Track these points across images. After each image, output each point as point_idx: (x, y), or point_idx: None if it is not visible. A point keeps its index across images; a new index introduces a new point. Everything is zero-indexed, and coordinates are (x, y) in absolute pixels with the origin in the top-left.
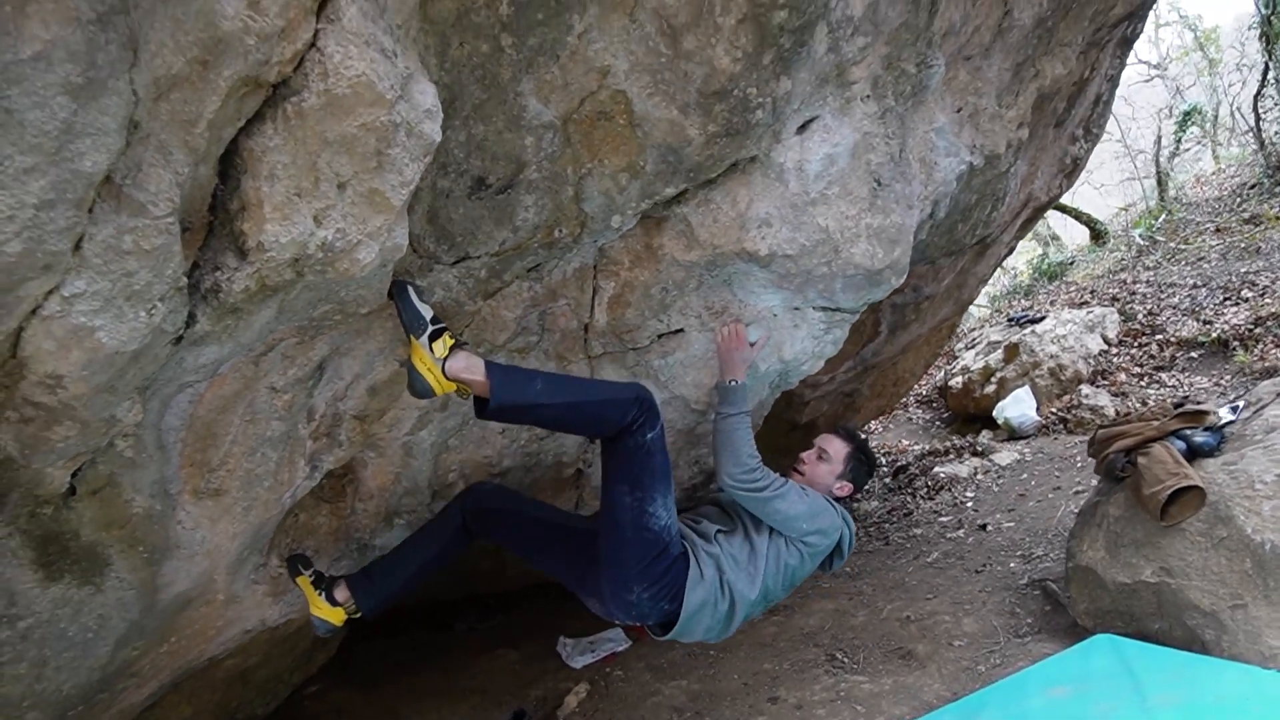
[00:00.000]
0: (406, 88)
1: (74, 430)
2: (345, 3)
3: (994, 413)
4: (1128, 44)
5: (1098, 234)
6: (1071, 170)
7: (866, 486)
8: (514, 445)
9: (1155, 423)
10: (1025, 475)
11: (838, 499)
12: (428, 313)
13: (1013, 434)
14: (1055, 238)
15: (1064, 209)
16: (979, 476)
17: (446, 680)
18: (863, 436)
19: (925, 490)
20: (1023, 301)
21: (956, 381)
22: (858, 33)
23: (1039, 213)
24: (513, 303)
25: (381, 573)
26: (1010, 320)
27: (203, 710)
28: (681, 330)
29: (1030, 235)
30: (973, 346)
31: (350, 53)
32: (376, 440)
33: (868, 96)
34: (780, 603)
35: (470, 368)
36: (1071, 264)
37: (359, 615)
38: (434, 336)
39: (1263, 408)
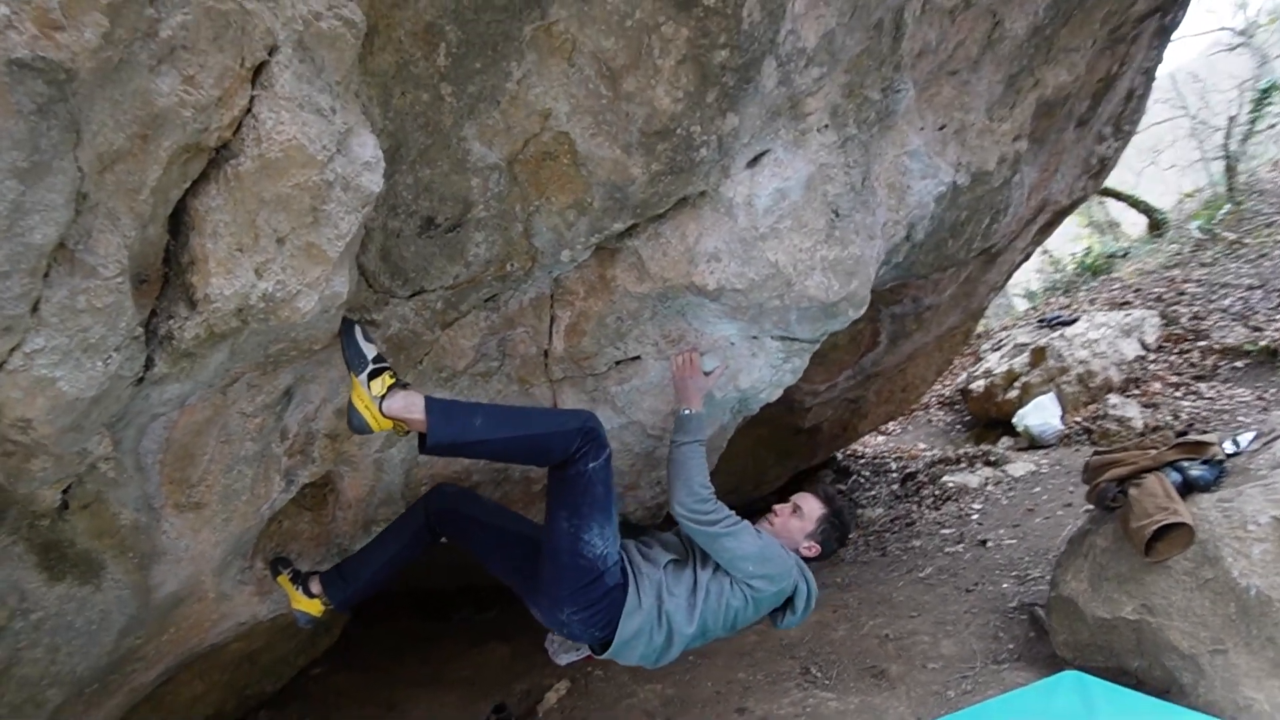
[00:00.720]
0: (345, 142)
1: (49, 462)
2: (279, 69)
3: (1014, 419)
4: (1165, 34)
5: (1156, 224)
6: (1098, 171)
7: (835, 552)
8: (482, 461)
9: (1152, 452)
10: (1038, 489)
11: (805, 559)
12: (370, 351)
13: (1033, 443)
14: (1114, 224)
15: (1119, 196)
16: (989, 488)
17: (439, 669)
18: (840, 503)
19: (932, 500)
20: (1061, 299)
21: (978, 385)
22: (812, 64)
23: (1060, 215)
24: (470, 332)
25: (351, 569)
26: (1041, 321)
27: (213, 688)
28: (638, 358)
29: (1086, 222)
30: (999, 348)
31: (282, 118)
32: (349, 457)
33: (826, 126)
34: None
35: (409, 407)
36: (1124, 256)
37: (334, 607)
38: (373, 375)
39: (1274, 440)
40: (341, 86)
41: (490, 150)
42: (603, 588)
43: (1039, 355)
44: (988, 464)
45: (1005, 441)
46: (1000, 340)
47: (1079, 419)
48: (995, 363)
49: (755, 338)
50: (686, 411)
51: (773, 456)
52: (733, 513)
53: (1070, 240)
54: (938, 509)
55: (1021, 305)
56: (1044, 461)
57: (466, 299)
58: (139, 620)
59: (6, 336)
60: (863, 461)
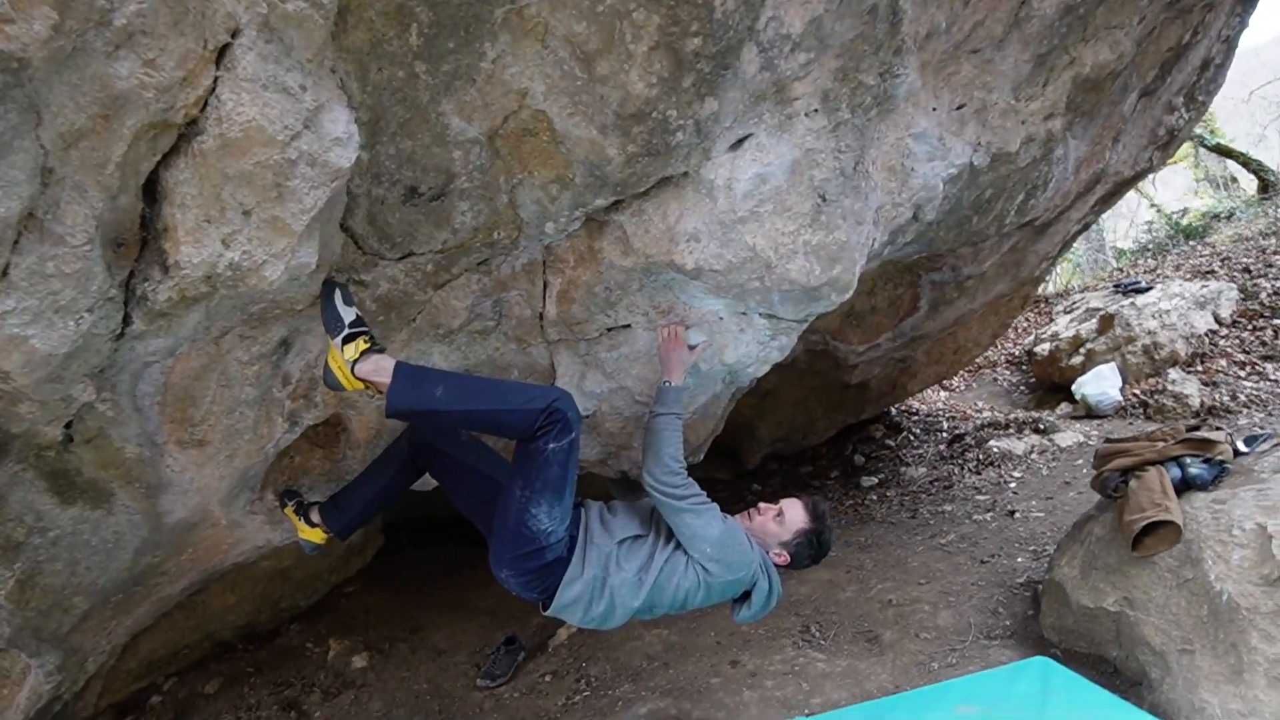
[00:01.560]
0: (315, 119)
1: (35, 407)
2: (241, 51)
3: (1073, 387)
4: (1249, 1)
5: (1265, 185)
6: (1167, 141)
7: (806, 567)
8: None
9: (1159, 444)
10: (1081, 461)
11: (776, 565)
12: (349, 315)
13: (1090, 412)
14: (1233, 180)
15: (1229, 153)
16: (1033, 456)
17: (463, 597)
18: (824, 524)
19: (974, 464)
20: (1149, 262)
21: (1043, 348)
22: (798, 49)
23: (1124, 186)
24: (462, 293)
25: (345, 499)
26: (1117, 286)
27: (245, 599)
28: (629, 326)
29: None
30: (1071, 311)
31: (243, 100)
32: (352, 402)
33: (815, 111)
34: None
35: (378, 370)
36: (1229, 218)
37: (334, 534)
38: (348, 339)
39: None
40: (314, 64)
41: (469, 125)
42: (541, 560)
43: (1107, 323)
44: (1036, 431)
45: (1064, 408)
46: (1074, 303)
47: (1137, 391)
48: (1063, 326)
49: (743, 314)
50: (667, 383)
51: (821, 408)
52: (703, 492)
53: (1185, 196)
54: (978, 473)
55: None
56: (1094, 433)
57: (457, 262)
58: (153, 541)
59: None
60: (915, 418)
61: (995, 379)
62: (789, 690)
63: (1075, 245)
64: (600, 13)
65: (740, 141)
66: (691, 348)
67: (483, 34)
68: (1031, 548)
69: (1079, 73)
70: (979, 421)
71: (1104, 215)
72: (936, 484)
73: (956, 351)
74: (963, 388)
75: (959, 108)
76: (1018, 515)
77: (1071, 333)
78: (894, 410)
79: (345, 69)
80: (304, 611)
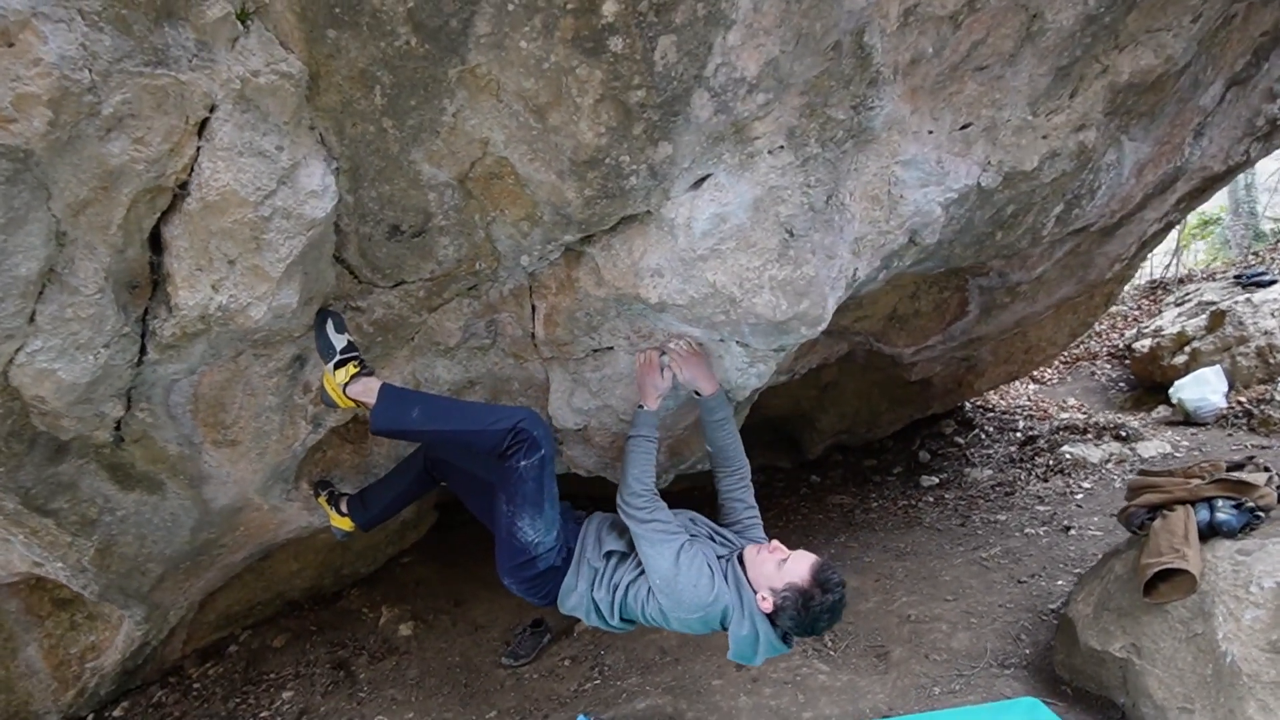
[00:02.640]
0: (291, 175)
1: (74, 422)
2: (218, 124)
3: (1171, 389)
4: None
5: None
6: (1269, 132)
7: (789, 630)
8: None
9: (1194, 482)
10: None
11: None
12: (340, 343)
13: (1188, 418)
14: None
15: None
16: (1109, 465)
17: None
18: (820, 596)
19: (1043, 470)
20: None
21: (1144, 344)
22: (756, 90)
23: (1214, 182)
24: (455, 316)
25: (370, 497)
26: (1238, 279)
27: (308, 566)
28: (611, 348)
29: None
30: (1183, 303)
31: (218, 167)
32: (371, 406)
33: (780, 148)
34: None
35: (366, 391)
36: None
37: (360, 527)
38: (340, 364)
39: None
40: (291, 124)
41: (440, 171)
42: (534, 569)
43: (1217, 319)
44: (1117, 438)
45: (1160, 411)
46: (1187, 294)
47: (1243, 399)
48: (1169, 321)
49: (721, 340)
50: (641, 407)
51: (886, 402)
52: (668, 519)
53: None
54: (1045, 481)
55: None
56: (1184, 443)
57: (446, 289)
58: (206, 521)
59: (9, 342)
60: (991, 415)
61: (1093, 373)
62: (784, 700)
63: (1222, 219)
64: (546, 69)
65: (700, 181)
66: (664, 372)
67: (440, 92)
68: (1077, 570)
69: (1115, 81)
70: (1056, 423)
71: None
72: (998, 489)
73: (1028, 351)
74: (1055, 380)
75: (963, 128)
76: (1073, 532)
77: (1177, 328)
78: (969, 405)
79: (323, 125)
80: (364, 578)
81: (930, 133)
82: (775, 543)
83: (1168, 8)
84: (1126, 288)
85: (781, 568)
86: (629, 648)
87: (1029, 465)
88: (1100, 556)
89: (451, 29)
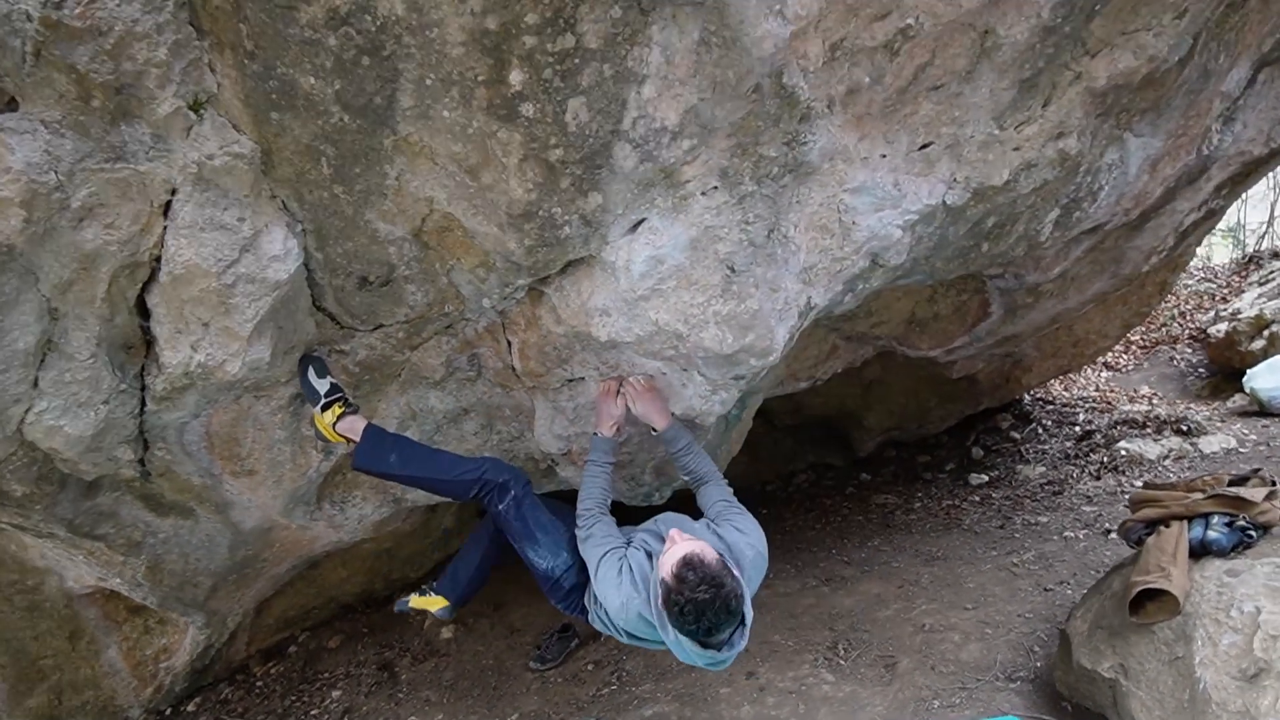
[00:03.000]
0: (254, 242)
1: (91, 467)
2: (179, 205)
3: (1245, 378)
4: None
5: None
6: None
7: (675, 624)
8: (488, 444)
9: (1193, 496)
10: (1222, 471)
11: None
12: (323, 387)
13: (1263, 409)
14: None
15: None
16: (1166, 462)
17: None
18: (679, 584)
19: (1096, 467)
20: None
21: (1219, 328)
22: (680, 138)
23: (1260, 165)
24: (435, 352)
25: (458, 576)
26: None
27: (356, 573)
28: (583, 378)
29: None
30: (1266, 282)
31: (181, 244)
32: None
33: (714, 188)
34: (839, 571)
35: (352, 429)
36: None
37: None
38: (325, 407)
39: None
40: (251, 197)
41: (394, 227)
42: (562, 589)
43: None
44: (1178, 433)
45: (1236, 400)
46: (1270, 272)
47: None
48: (1248, 303)
49: (684, 370)
50: (595, 433)
51: (934, 399)
52: (605, 534)
53: None
54: (1097, 479)
55: None
56: (1252, 438)
57: (423, 330)
58: (241, 541)
59: (18, 405)
60: (1050, 408)
61: (1173, 358)
62: (785, 711)
63: None
64: (471, 134)
65: (637, 225)
66: (619, 400)
67: (380, 159)
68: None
69: (1092, 86)
70: (1117, 416)
71: None
72: (1047, 488)
73: (1076, 344)
74: (1131, 367)
75: (923, 147)
76: (1113, 536)
77: (1255, 311)
78: (1028, 398)
79: (284, 194)
80: (412, 582)
81: (884, 156)
82: (673, 532)
83: (1140, 9)
84: (1221, 261)
85: (659, 565)
86: (649, 654)
87: (1083, 462)
88: (1110, 568)
89: (377, 105)
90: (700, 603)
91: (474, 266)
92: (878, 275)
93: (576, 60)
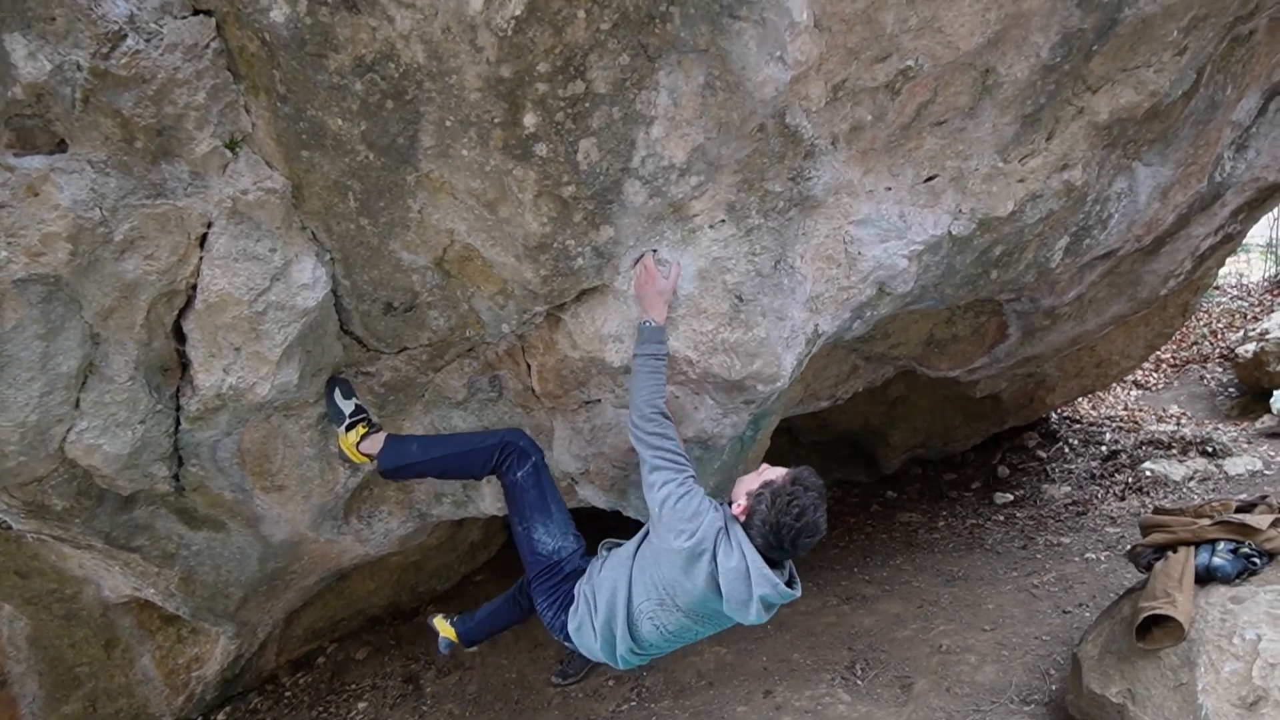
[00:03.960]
0: (285, 271)
1: (128, 483)
2: (214, 237)
3: (1272, 399)
4: None
5: None
6: None
7: (762, 524)
8: None
9: (1201, 522)
10: (1246, 495)
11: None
12: (348, 408)
13: None
14: None
15: None
16: (1191, 484)
17: None
18: (800, 493)
19: (1121, 488)
20: None
21: (1248, 349)
22: (688, 174)
23: (1275, 191)
24: (457, 374)
25: (480, 625)
26: None
27: (384, 585)
28: (599, 400)
29: None
30: None
31: (216, 274)
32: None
33: (722, 221)
34: (860, 590)
35: (374, 444)
36: None
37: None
38: (350, 427)
39: None
40: (283, 228)
41: (417, 257)
42: (556, 577)
43: None
44: (1204, 454)
45: (1265, 421)
46: None
47: None
48: (1276, 324)
49: (696, 394)
50: (647, 322)
51: (960, 416)
52: (676, 451)
53: None
54: (1121, 500)
55: None
56: (1277, 459)
57: (445, 352)
58: (271, 553)
59: (60, 425)
60: (1077, 427)
61: (1203, 377)
62: None
63: None
64: (489, 171)
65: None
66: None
67: (404, 194)
68: None
69: (1095, 120)
70: (1143, 436)
71: None
72: (1072, 508)
73: (1099, 365)
74: (1161, 386)
75: (928, 180)
76: None
77: None
78: (1054, 416)
79: (313, 225)
80: (439, 595)
81: (888, 189)
82: (764, 464)
83: (1139, 48)
84: (1257, 279)
85: (761, 474)
86: (669, 669)
87: (1108, 482)
88: (1123, 592)
89: (400, 145)
90: (807, 505)
91: (493, 294)
92: (885, 303)
93: (587, 104)
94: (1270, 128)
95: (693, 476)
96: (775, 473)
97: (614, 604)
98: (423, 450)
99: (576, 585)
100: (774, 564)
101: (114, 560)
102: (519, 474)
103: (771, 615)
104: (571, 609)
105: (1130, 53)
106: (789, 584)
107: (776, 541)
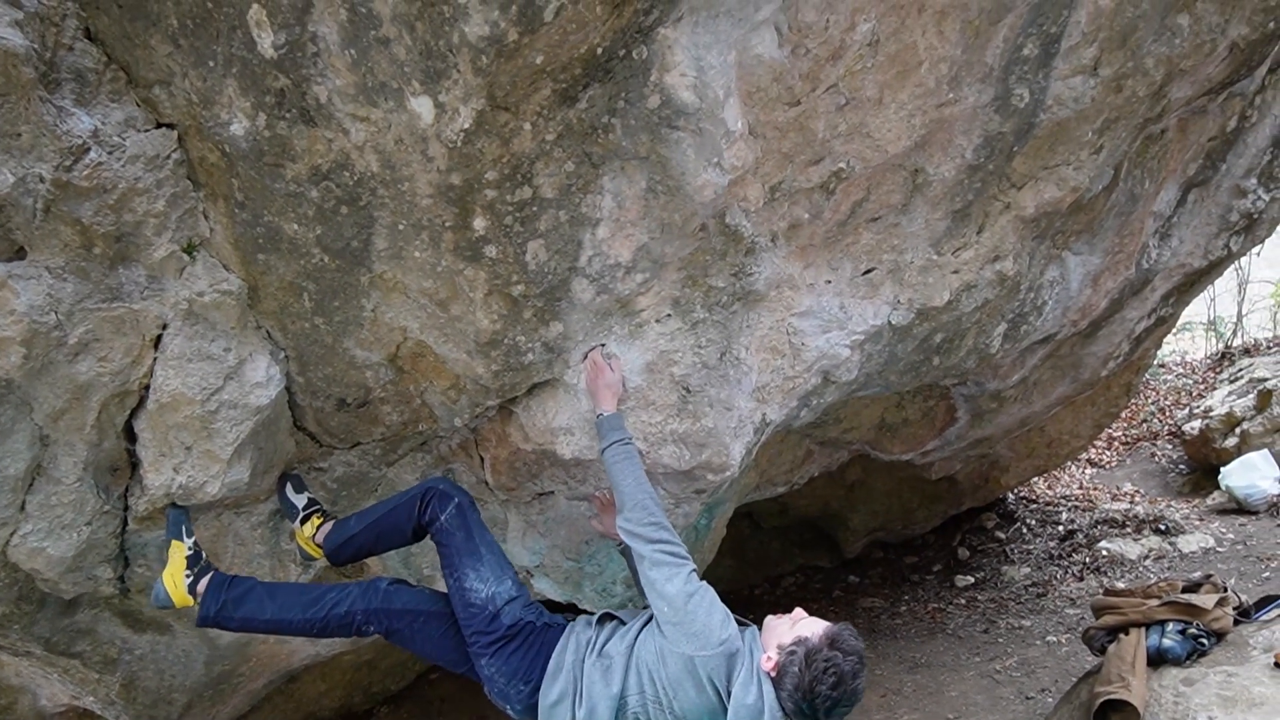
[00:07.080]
0: (238, 370)
1: (71, 586)
2: (169, 338)
3: (1220, 476)
4: None
5: None
6: (1247, 226)
7: (793, 688)
8: None
9: (1148, 603)
10: (1199, 573)
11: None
12: (300, 501)
13: (1240, 506)
14: None
15: None
16: (1147, 562)
17: None
18: (831, 647)
19: (1079, 568)
20: None
21: (1194, 426)
22: (633, 272)
23: (1202, 276)
24: (411, 468)
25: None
26: None
27: (335, 686)
28: (552, 492)
29: None
30: (1235, 380)
31: (169, 375)
32: None
33: (668, 316)
34: None
35: (325, 534)
36: None
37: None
38: (304, 520)
39: None
40: (237, 328)
41: (371, 353)
42: (499, 628)
43: (1265, 399)
44: (1157, 532)
45: (1216, 497)
46: (1239, 370)
47: None
48: (1219, 401)
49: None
50: (600, 414)
51: (916, 499)
52: (676, 543)
53: None
54: (1080, 580)
55: None
56: (1229, 536)
57: (399, 447)
58: (218, 655)
59: (4, 528)
60: (1034, 507)
61: (1154, 454)
62: None
63: None
64: (440, 272)
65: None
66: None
67: (358, 294)
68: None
69: (1021, 214)
70: (1098, 515)
71: None
72: (1031, 589)
73: (1050, 445)
74: (1114, 463)
75: (867, 272)
76: None
77: (1225, 409)
78: (1011, 497)
79: (268, 324)
80: (393, 695)
81: (828, 282)
82: (798, 610)
83: (1057, 148)
84: (1200, 356)
85: (793, 626)
86: None
87: (1066, 562)
88: (1082, 675)
89: (354, 247)
90: (845, 672)
91: (446, 389)
92: (831, 390)
93: (534, 208)
94: (1190, 217)
95: (695, 570)
96: (810, 627)
97: (598, 696)
98: (358, 521)
99: (561, 654)
100: None
101: (53, 667)
102: (442, 517)
103: None
104: (547, 678)
105: (1050, 152)
106: None
107: (810, 710)
